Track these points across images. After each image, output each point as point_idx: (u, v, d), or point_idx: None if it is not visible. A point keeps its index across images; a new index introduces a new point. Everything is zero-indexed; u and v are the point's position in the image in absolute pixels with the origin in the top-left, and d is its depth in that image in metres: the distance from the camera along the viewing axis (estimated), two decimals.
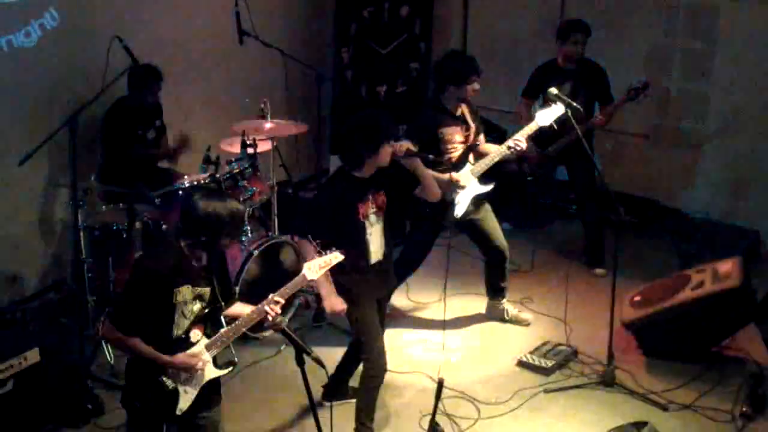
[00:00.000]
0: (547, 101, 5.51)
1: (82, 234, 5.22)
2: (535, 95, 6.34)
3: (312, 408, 3.59)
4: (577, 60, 6.19)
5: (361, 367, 4.53)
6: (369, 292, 4.41)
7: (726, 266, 5.30)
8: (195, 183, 5.40)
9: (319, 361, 3.54)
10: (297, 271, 5.53)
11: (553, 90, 5.39)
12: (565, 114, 5.24)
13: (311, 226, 4.24)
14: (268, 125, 5.78)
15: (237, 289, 5.20)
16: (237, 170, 5.53)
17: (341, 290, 4.37)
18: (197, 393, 3.78)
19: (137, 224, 5.33)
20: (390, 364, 4.50)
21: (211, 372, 3.84)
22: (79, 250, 5.23)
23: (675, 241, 6.81)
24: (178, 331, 3.73)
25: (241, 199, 5.47)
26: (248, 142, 5.61)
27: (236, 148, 5.70)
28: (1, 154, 5.49)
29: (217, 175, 5.45)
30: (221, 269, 3.91)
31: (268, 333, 5.44)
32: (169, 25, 6.33)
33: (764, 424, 4.71)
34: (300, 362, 3.52)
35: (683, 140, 7.16)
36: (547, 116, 5.33)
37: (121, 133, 5.78)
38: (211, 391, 3.86)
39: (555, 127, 5.42)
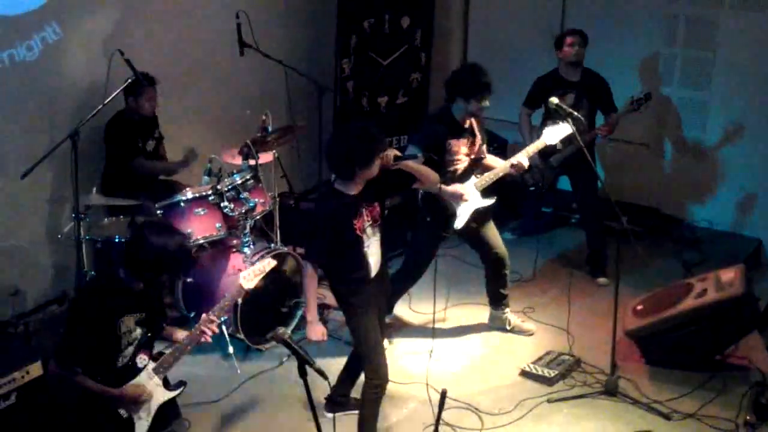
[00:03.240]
0: (548, 118, 5.53)
1: (84, 246, 5.23)
2: (537, 105, 6.36)
3: (315, 420, 3.58)
4: (579, 70, 6.20)
5: (363, 378, 4.52)
6: (370, 304, 4.40)
7: (729, 275, 5.30)
8: (197, 195, 5.41)
9: (321, 373, 3.53)
10: (299, 281, 5.63)
11: (555, 100, 5.40)
12: (572, 133, 5.24)
13: (312, 249, 4.28)
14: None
15: (240, 301, 5.22)
16: (239, 182, 5.54)
17: (343, 302, 4.38)
18: (153, 417, 3.80)
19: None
20: (392, 374, 4.49)
21: (162, 395, 3.85)
22: (81, 262, 5.23)
23: (677, 250, 6.82)
24: (123, 360, 3.75)
25: (243, 210, 5.48)
26: (250, 154, 5.61)
27: (238, 160, 5.71)
28: (4, 168, 5.51)
29: (219, 187, 5.46)
30: (156, 293, 3.95)
31: (270, 345, 5.43)
32: (170, 37, 6.34)
33: None
34: (302, 373, 3.51)
35: (684, 149, 7.17)
36: (554, 134, 5.35)
37: (122, 145, 5.79)
38: (167, 411, 3.88)
39: (560, 145, 5.55)
